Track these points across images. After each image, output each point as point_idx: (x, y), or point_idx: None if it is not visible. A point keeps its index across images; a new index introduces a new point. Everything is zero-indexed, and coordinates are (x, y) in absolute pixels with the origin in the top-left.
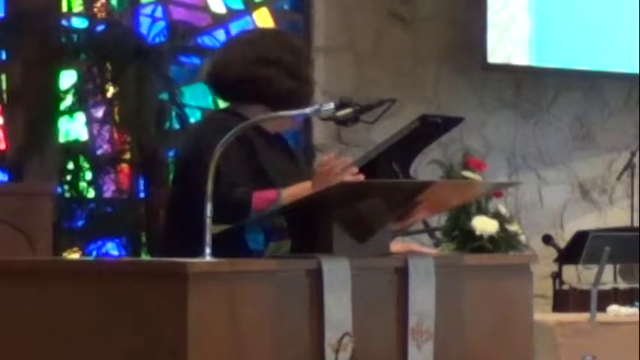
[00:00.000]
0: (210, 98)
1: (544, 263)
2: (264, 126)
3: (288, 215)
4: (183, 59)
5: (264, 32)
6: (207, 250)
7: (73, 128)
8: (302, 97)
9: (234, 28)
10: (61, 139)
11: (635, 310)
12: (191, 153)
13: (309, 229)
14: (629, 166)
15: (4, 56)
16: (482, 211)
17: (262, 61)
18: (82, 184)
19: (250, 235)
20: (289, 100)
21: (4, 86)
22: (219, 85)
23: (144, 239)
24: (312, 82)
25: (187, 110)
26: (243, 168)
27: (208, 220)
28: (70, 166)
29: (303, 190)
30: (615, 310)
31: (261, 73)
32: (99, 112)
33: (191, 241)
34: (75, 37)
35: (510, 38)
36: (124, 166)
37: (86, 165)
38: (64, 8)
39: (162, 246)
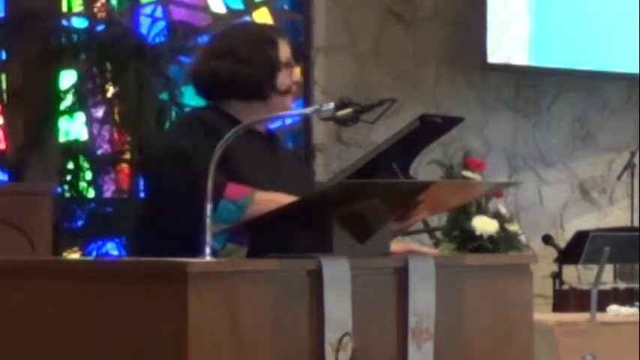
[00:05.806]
0: None
1: (544, 263)
2: (243, 120)
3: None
4: (183, 59)
5: (226, 28)
6: (207, 250)
7: (73, 128)
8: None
9: None
10: (61, 139)
11: (635, 310)
12: (159, 152)
13: (310, 228)
14: (629, 166)
15: (4, 56)
16: (482, 211)
17: (216, 55)
18: (82, 184)
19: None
20: (255, 88)
21: (4, 86)
22: (195, 86)
23: None
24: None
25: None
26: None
27: (208, 220)
28: (70, 166)
29: (273, 199)
30: (615, 310)
31: (219, 67)
32: (99, 112)
33: (170, 242)
34: (75, 37)
35: (510, 38)
36: (124, 166)
37: (86, 165)
38: (64, 8)
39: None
